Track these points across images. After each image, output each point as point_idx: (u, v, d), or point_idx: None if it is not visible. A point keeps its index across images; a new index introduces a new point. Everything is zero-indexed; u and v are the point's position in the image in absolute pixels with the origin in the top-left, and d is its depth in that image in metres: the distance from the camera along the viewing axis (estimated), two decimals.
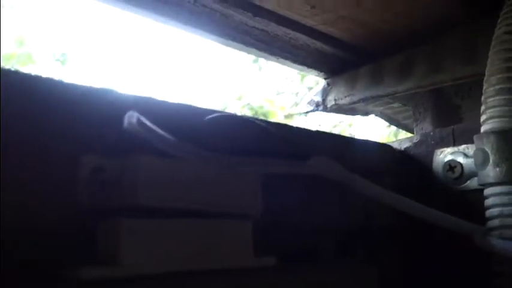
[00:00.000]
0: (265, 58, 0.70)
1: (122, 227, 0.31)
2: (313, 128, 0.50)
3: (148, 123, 0.32)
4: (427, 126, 0.75)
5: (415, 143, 0.60)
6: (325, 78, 0.76)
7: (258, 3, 0.62)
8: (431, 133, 0.59)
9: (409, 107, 0.89)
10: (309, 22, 0.68)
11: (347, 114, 0.83)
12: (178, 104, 0.39)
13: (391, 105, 0.90)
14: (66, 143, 0.33)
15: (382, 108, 0.91)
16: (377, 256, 0.53)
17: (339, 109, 0.77)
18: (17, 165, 0.30)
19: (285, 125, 0.47)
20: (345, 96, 0.73)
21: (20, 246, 0.31)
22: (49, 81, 0.33)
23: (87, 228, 0.33)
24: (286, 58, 0.71)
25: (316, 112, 0.77)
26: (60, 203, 0.32)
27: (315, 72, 0.75)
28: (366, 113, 0.92)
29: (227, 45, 0.68)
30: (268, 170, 0.39)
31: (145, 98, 0.38)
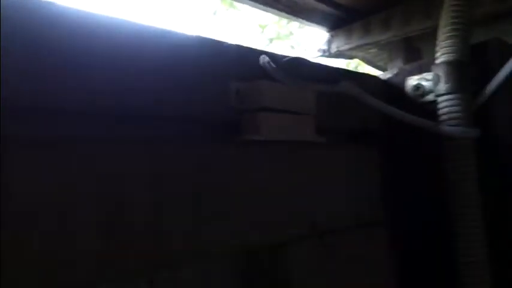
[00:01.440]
0: (289, 19, 0.99)
1: (261, 116, 0.62)
2: (335, 65, 0.81)
3: (271, 62, 0.62)
4: (398, 64, 1.07)
5: (394, 74, 0.92)
6: (328, 32, 1.06)
7: None
8: (405, 67, 0.91)
9: (384, 52, 1.20)
10: None
11: (341, 58, 1.14)
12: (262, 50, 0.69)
13: (370, 50, 1.21)
14: (221, 75, 0.63)
15: (363, 53, 1.22)
16: (373, 144, 0.86)
17: (339, 55, 1.07)
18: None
19: (321, 64, 0.78)
20: (345, 44, 1.04)
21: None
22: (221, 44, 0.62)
23: (234, 119, 0.63)
24: (302, 18, 1.00)
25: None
26: (221, 106, 0.62)
27: (321, 27, 1.06)
28: (352, 57, 1.23)
29: (263, 10, 0.97)
30: (323, 89, 0.70)
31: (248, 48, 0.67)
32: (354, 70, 0.85)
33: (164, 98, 0.55)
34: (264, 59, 0.62)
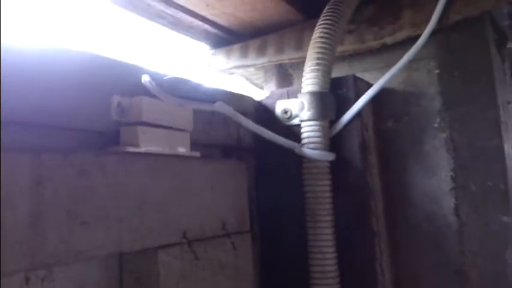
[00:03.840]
0: (174, 34, 1.04)
1: (139, 130, 0.66)
2: (213, 86, 0.88)
3: (152, 81, 0.66)
4: (272, 86, 1.17)
5: (266, 97, 1.00)
6: (210, 49, 1.13)
7: None
8: (276, 91, 1.01)
9: (261, 72, 1.30)
10: (203, 13, 1.03)
11: (222, 73, 1.21)
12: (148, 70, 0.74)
13: (248, 69, 1.29)
14: (103, 89, 0.66)
15: (242, 71, 1.30)
16: (244, 159, 0.93)
17: (219, 71, 1.14)
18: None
19: (200, 84, 0.84)
20: (224, 63, 1.11)
21: None
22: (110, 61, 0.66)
23: (115, 130, 0.67)
24: (186, 35, 1.06)
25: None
26: (103, 118, 0.66)
27: (204, 45, 1.12)
28: (232, 73, 1.31)
29: (150, 22, 1.01)
30: (198, 107, 0.76)
31: (134, 66, 0.71)
32: (231, 91, 0.93)
33: (45, 107, 0.58)
34: (145, 77, 0.66)
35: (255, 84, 1.45)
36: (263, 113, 0.99)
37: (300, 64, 1.11)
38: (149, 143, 0.68)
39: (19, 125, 0.55)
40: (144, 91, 0.69)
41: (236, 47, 1.11)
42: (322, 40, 0.90)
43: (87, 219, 0.57)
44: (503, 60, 1.07)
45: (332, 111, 0.91)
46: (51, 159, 0.54)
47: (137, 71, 0.70)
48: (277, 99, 0.99)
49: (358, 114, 0.91)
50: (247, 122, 0.87)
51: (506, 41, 1.08)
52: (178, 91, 0.76)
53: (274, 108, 0.99)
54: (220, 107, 0.80)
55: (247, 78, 1.40)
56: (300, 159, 0.91)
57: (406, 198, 0.97)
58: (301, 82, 0.94)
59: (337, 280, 0.88)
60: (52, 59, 0.60)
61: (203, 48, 1.14)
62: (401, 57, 0.92)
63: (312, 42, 0.92)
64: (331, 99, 0.91)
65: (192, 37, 1.07)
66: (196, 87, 0.81)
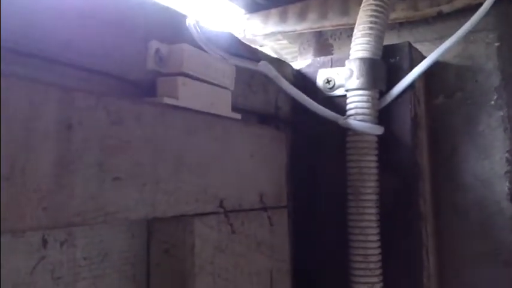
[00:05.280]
0: None
1: (179, 81, 0.58)
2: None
3: (198, 26, 0.58)
4: (308, 58, 1.08)
5: (307, 65, 0.92)
6: (245, 14, 1.04)
7: None
8: (318, 59, 0.92)
9: (292, 45, 1.21)
10: None
11: (253, 44, 1.13)
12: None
13: (280, 41, 1.21)
14: (140, 33, 0.58)
15: (272, 43, 1.22)
16: (281, 130, 0.85)
17: (252, 40, 1.06)
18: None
19: (244, 42, 0.76)
20: (260, 29, 1.02)
21: None
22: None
23: (151, 79, 0.59)
24: None
25: None
26: (138, 66, 0.58)
27: (239, 8, 1.03)
28: (262, 45, 1.22)
29: None
30: (241, 64, 0.68)
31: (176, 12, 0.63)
32: (270, 55, 0.85)
33: (75, 45, 0.50)
34: (191, 21, 0.58)
35: (284, 59, 1.37)
36: (302, 82, 0.91)
37: (343, 33, 1.03)
38: (189, 97, 0.60)
39: (45, 61, 0.47)
40: (185, 40, 0.61)
41: (274, 11, 1.03)
42: (375, 2, 0.82)
43: (120, 175, 0.50)
44: None
45: (383, 80, 0.83)
46: (83, 99, 0.46)
47: (177, 17, 0.62)
48: (320, 67, 0.91)
49: (411, 86, 0.83)
50: (290, 88, 0.79)
51: None
52: (223, 44, 0.68)
53: (315, 78, 0.91)
54: (264, 67, 0.72)
55: (276, 52, 1.31)
56: (343, 132, 0.83)
57: (455, 181, 0.89)
58: (342, 52, 0.86)
59: (379, 265, 0.80)
60: None
61: (238, 12, 1.06)
62: (456, 27, 0.83)
63: (363, 4, 0.83)
64: (383, 67, 0.83)
65: None
66: (239, 43, 0.73)
